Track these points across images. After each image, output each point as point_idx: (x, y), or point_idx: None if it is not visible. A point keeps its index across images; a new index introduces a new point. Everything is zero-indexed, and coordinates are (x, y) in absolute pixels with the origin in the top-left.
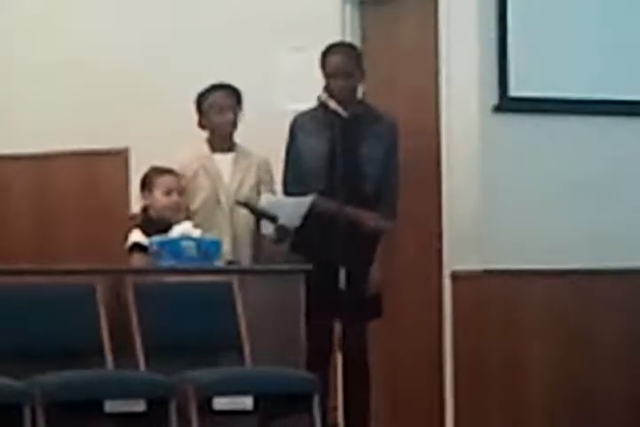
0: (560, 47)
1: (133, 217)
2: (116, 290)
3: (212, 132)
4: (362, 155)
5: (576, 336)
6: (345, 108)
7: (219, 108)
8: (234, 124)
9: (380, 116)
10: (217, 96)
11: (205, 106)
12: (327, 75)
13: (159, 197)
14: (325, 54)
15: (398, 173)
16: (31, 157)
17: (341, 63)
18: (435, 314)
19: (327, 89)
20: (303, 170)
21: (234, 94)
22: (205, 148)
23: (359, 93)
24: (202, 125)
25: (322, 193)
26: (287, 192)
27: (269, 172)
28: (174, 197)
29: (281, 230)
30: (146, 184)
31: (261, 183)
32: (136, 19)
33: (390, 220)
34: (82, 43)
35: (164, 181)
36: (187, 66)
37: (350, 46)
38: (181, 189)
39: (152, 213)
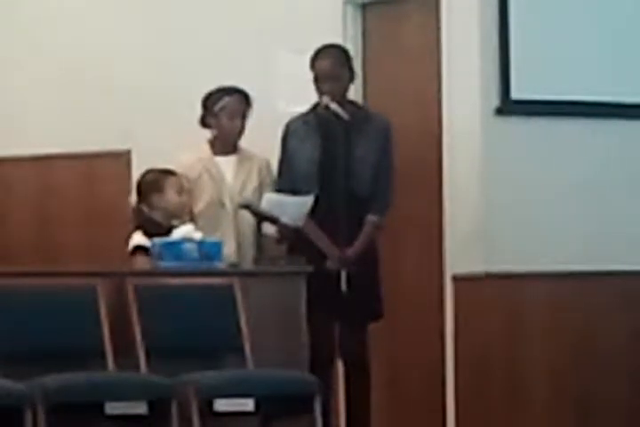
0: (562, 50)
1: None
2: (118, 292)
3: (218, 133)
4: (356, 156)
5: (578, 338)
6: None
7: (230, 113)
8: (241, 132)
9: (371, 116)
10: (231, 100)
11: (217, 107)
12: (315, 79)
13: (172, 196)
14: (313, 59)
15: (391, 173)
16: (33, 159)
17: (329, 67)
18: (436, 317)
19: (317, 91)
20: (297, 176)
21: (246, 101)
22: (207, 150)
23: (351, 94)
24: (205, 124)
25: (316, 197)
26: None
27: (271, 173)
28: (185, 197)
29: (283, 230)
30: (155, 186)
31: (263, 185)
32: (137, 21)
33: (383, 218)
34: (83, 45)
35: (174, 182)
36: (187, 68)
37: (338, 48)
38: (188, 189)
39: (159, 214)
